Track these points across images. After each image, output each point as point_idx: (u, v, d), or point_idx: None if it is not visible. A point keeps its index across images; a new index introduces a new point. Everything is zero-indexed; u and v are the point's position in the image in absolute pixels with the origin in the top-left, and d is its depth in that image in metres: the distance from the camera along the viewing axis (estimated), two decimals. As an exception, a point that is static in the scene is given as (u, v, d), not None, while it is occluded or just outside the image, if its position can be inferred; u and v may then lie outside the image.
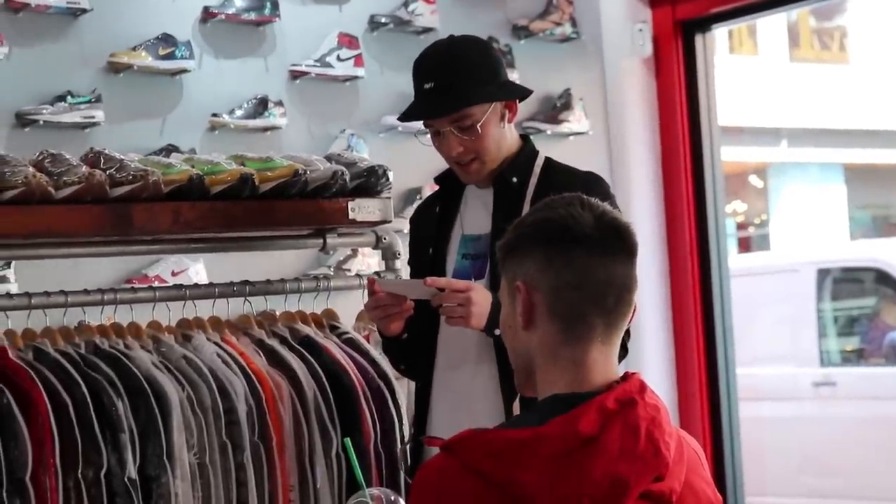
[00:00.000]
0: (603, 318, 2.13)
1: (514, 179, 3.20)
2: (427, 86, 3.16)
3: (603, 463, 2.01)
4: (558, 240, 2.12)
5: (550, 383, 2.15)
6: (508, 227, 2.23)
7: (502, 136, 3.20)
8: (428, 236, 3.30)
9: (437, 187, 3.39)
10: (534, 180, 3.20)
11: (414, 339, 3.23)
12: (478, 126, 3.13)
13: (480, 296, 3.01)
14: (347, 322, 3.65)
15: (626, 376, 2.15)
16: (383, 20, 5.21)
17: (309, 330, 3.45)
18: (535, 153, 3.27)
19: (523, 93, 3.27)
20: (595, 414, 2.05)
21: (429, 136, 3.24)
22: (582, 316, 2.13)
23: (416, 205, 4.02)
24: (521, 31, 5.60)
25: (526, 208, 3.13)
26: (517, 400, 3.03)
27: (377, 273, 3.62)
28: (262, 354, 3.33)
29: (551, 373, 2.15)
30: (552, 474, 2.00)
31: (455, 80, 3.14)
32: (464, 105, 3.13)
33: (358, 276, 3.70)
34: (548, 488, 2.00)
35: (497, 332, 3.01)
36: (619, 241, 2.15)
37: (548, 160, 3.26)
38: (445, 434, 2.17)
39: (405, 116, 3.26)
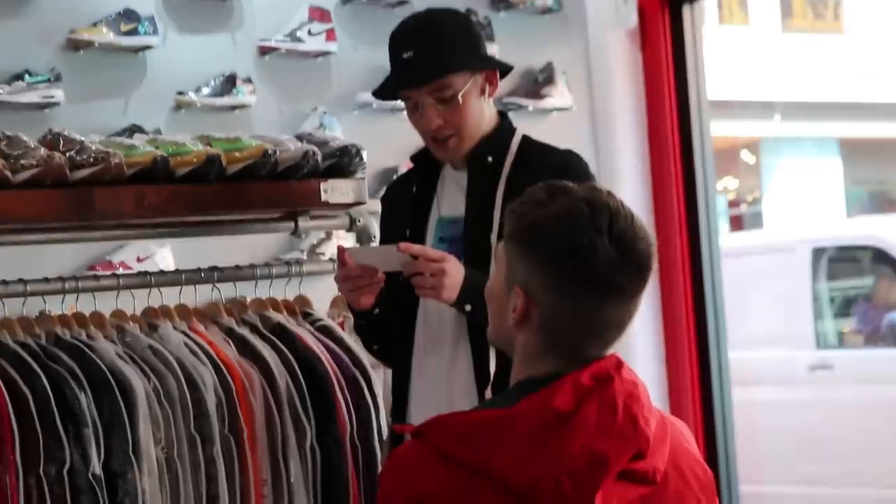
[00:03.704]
0: (597, 346, 2.15)
1: (490, 159, 3.19)
2: (406, 55, 3.15)
3: (580, 439, 2.02)
4: (572, 272, 2.10)
5: (525, 375, 2.17)
6: (523, 200, 2.19)
7: (482, 110, 3.20)
8: (403, 217, 3.29)
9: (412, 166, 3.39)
10: (510, 159, 3.20)
11: (387, 317, 3.23)
12: (459, 97, 3.13)
13: (454, 268, 3.02)
14: (321, 308, 3.65)
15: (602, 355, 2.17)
16: (356, -8, 5.20)
17: (280, 317, 3.44)
18: (513, 131, 3.26)
19: (505, 66, 3.27)
20: (570, 390, 2.06)
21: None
22: (575, 343, 2.14)
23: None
24: (500, 4, 5.59)
25: (501, 189, 3.13)
26: (489, 387, 3.04)
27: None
28: (231, 344, 3.32)
29: (528, 370, 2.16)
30: (527, 453, 2.01)
31: (436, 48, 3.13)
32: (446, 72, 3.12)
33: (332, 260, 3.69)
34: (523, 468, 2.00)
35: (468, 307, 3.02)
36: (638, 280, 2.13)
37: (525, 138, 3.26)
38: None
39: (382, 90, 3.26)
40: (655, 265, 2.16)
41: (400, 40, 3.19)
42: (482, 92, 3.19)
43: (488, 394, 3.05)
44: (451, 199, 3.25)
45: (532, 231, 2.14)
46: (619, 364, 2.14)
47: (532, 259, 2.13)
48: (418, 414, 3.15)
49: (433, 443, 2.06)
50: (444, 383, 3.17)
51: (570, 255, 2.09)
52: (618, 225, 2.11)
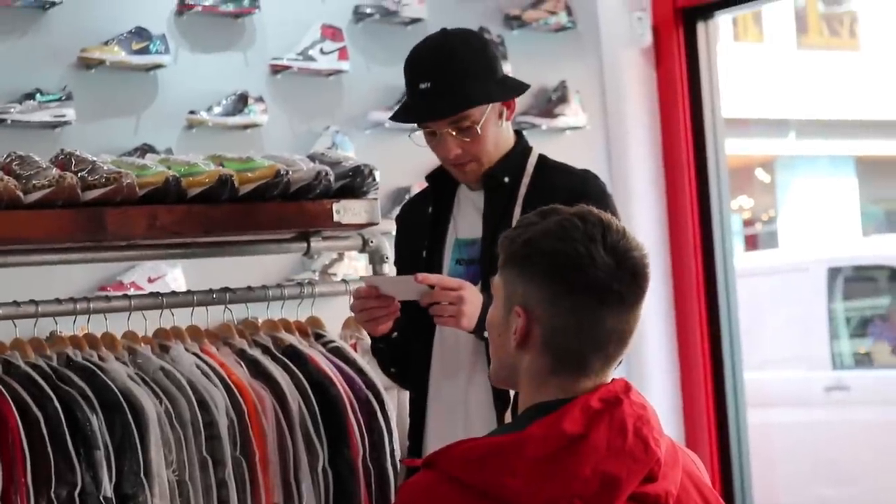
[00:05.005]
0: (601, 360, 2.16)
1: (506, 179, 3.20)
2: (423, 86, 3.14)
3: (591, 462, 2.03)
4: (570, 282, 2.12)
5: (533, 401, 2.17)
6: (516, 225, 2.21)
7: (500, 134, 3.21)
8: (419, 238, 3.30)
9: (426, 185, 3.39)
10: (526, 180, 3.20)
11: (405, 341, 3.23)
12: (477, 127, 3.13)
13: (472, 295, 3.02)
14: (333, 329, 3.65)
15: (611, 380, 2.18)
16: (368, 11, 5.22)
17: (293, 339, 3.44)
18: (528, 150, 3.27)
19: (521, 89, 3.27)
20: (579, 413, 2.07)
21: (421, 134, 3.24)
22: (579, 357, 2.15)
23: (404, 205, 4.02)
24: (513, 21, 5.61)
25: (517, 210, 3.14)
26: (508, 411, 3.04)
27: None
28: (243, 365, 3.33)
29: (536, 396, 2.17)
30: (539, 477, 2.02)
31: (453, 79, 3.12)
32: (463, 108, 3.12)
33: (344, 281, 3.69)
34: (536, 492, 2.01)
35: (486, 334, 3.02)
36: (635, 288, 2.16)
37: (541, 157, 3.27)
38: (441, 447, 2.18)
39: (399, 117, 3.26)
40: (650, 276, 2.18)
41: (416, 69, 3.18)
42: (500, 116, 3.20)
43: (507, 417, 3.05)
44: (467, 221, 3.25)
45: (527, 248, 2.16)
46: (627, 387, 2.15)
47: (529, 275, 2.14)
48: (435, 439, 3.16)
49: (445, 470, 2.06)
50: (461, 407, 3.17)
51: (567, 266, 2.11)
52: (611, 236, 2.13)
